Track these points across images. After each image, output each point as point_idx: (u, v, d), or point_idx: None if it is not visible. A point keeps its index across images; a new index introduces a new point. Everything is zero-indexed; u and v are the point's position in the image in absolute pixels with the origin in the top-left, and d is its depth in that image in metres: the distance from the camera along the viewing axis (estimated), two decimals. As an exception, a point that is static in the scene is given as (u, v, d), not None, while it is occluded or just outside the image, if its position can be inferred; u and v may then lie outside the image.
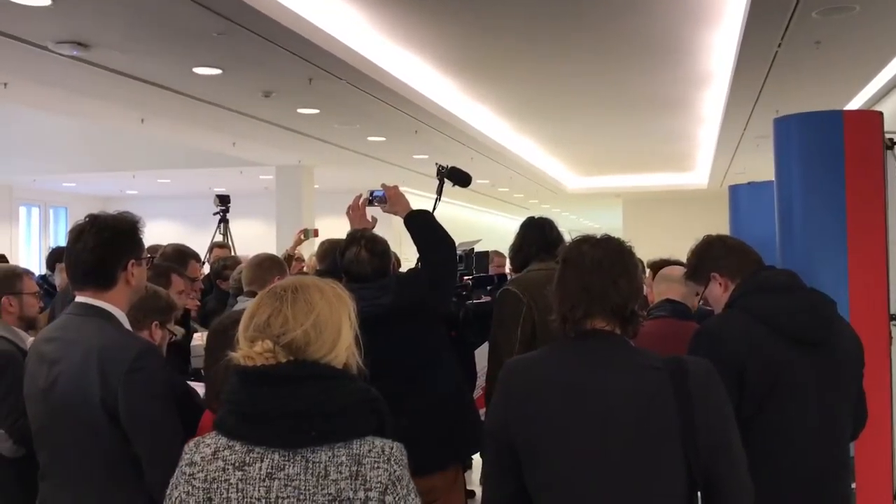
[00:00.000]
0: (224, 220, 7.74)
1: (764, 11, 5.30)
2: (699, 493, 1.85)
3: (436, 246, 3.28)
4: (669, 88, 8.68)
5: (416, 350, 3.12)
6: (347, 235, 3.25)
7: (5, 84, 7.40)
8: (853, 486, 3.14)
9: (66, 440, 2.26)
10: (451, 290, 3.61)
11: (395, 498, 1.54)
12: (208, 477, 1.54)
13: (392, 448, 1.58)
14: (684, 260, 3.55)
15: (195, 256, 4.28)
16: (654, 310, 3.24)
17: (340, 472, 1.53)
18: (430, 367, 3.17)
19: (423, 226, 3.34)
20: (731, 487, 1.84)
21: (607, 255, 1.95)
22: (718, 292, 2.65)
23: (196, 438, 1.62)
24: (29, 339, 2.99)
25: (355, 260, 3.09)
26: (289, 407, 1.53)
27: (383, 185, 3.51)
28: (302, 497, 1.52)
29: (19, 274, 3.19)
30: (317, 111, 8.63)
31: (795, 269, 2.73)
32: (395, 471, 1.55)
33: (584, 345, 1.93)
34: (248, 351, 1.58)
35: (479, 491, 5.91)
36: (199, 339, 3.69)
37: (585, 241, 2.01)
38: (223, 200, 7.89)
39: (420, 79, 7.87)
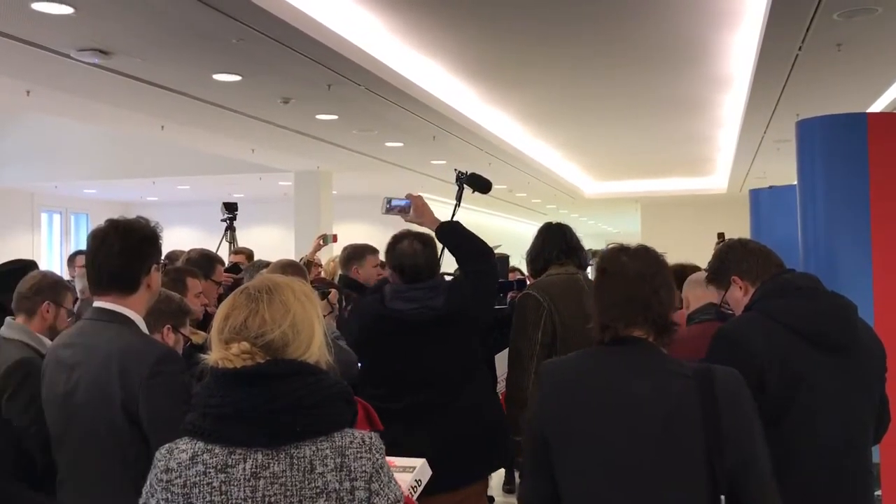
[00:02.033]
0: (231, 228, 7.74)
1: (784, 13, 5.26)
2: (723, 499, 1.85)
3: (476, 256, 3.25)
4: (688, 91, 8.64)
5: (458, 359, 3.11)
6: (392, 237, 3.25)
7: (28, 92, 7.49)
8: (878, 493, 3.10)
9: (85, 445, 2.26)
10: (493, 300, 3.58)
11: (379, 485, 1.58)
12: (188, 482, 1.53)
13: (371, 438, 1.61)
14: (703, 265, 3.53)
15: (221, 261, 4.31)
16: (699, 314, 3.25)
17: (326, 465, 1.54)
18: (470, 377, 3.16)
19: (459, 237, 3.30)
20: (756, 501, 1.85)
21: (648, 266, 2.01)
22: (739, 295, 2.63)
23: (167, 444, 1.60)
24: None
25: (410, 252, 3.07)
26: (272, 405, 1.54)
27: (409, 195, 3.47)
28: (289, 493, 1.53)
29: (69, 288, 3.23)
30: (335, 117, 8.66)
31: (819, 272, 2.71)
32: (377, 459, 1.59)
33: (618, 350, 1.98)
34: (225, 353, 1.58)
35: (498, 498, 5.92)
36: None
37: (623, 252, 2.06)
38: (230, 208, 7.90)
39: (438, 84, 7.88)
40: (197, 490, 1.52)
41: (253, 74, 6.74)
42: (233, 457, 1.54)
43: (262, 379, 1.55)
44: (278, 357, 1.59)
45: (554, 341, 3.50)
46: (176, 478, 1.54)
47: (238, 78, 6.84)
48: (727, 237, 2.85)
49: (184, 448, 1.57)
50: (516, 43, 6.64)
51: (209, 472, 1.53)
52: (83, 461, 2.28)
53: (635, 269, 1.99)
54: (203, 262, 4.10)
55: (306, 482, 1.53)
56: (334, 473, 1.54)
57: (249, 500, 1.52)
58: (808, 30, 5.60)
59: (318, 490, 1.53)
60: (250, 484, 1.52)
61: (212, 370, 1.59)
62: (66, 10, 5.00)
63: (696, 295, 3.27)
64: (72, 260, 5.81)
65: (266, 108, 8.20)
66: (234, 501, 1.52)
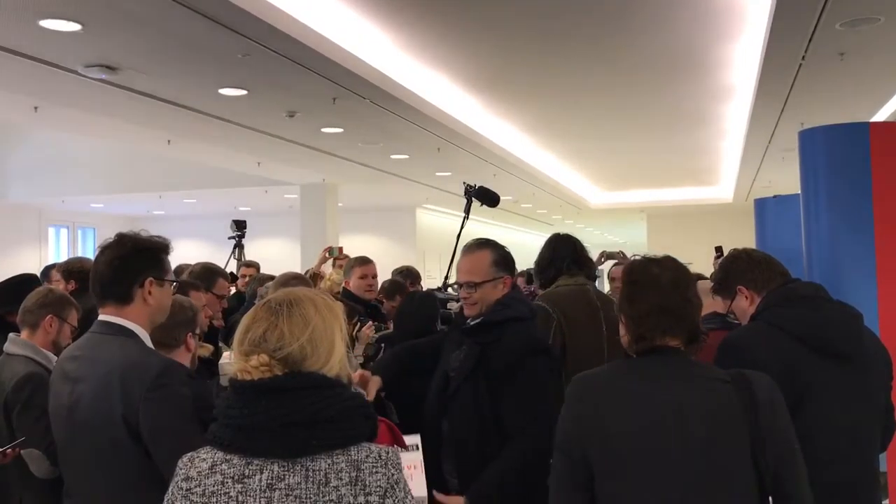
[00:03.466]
0: (239, 245, 7.75)
1: (787, 24, 5.28)
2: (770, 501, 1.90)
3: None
4: (693, 102, 8.66)
5: None
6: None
7: (35, 107, 7.55)
8: (885, 502, 3.09)
9: (89, 458, 2.27)
10: None
11: (394, 501, 1.57)
12: (206, 491, 1.55)
13: (388, 453, 1.61)
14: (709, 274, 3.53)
15: (223, 274, 4.31)
16: (704, 322, 3.25)
17: (341, 479, 1.55)
18: None
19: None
20: (796, 492, 1.91)
21: (680, 275, 2.03)
22: (745, 305, 2.64)
23: (189, 454, 1.62)
24: (55, 360, 3.04)
25: None
26: (289, 417, 1.55)
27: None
28: None
29: (72, 303, 3.26)
30: (340, 130, 8.70)
31: (823, 281, 2.72)
32: (392, 475, 1.58)
33: (653, 360, 1.98)
34: (245, 365, 1.60)
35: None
36: (227, 357, 3.72)
37: (653, 263, 2.07)
38: (240, 226, 7.92)
39: (443, 96, 7.92)
40: (215, 499, 1.54)
41: (259, 89, 6.78)
42: (250, 467, 1.56)
43: (278, 392, 1.57)
44: (296, 370, 1.61)
45: (563, 353, 3.49)
46: (195, 486, 1.56)
47: (244, 92, 6.88)
48: (732, 247, 2.85)
49: (204, 457, 1.59)
50: (521, 55, 6.67)
51: (227, 482, 1.55)
52: (87, 473, 2.29)
53: (668, 278, 2.00)
54: (205, 274, 4.12)
55: (321, 495, 1.54)
56: (349, 487, 1.54)
57: None
58: (810, 40, 5.62)
59: (332, 503, 1.54)
60: (266, 495, 1.54)
61: (231, 381, 1.62)
62: (74, 26, 5.05)
63: (704, 304, 3.28)
64: (46, 274, 5.81)
65: (272, 122, 8.24)
66: None
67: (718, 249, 6.96)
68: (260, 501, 1.54)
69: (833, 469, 2.37)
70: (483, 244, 2.99)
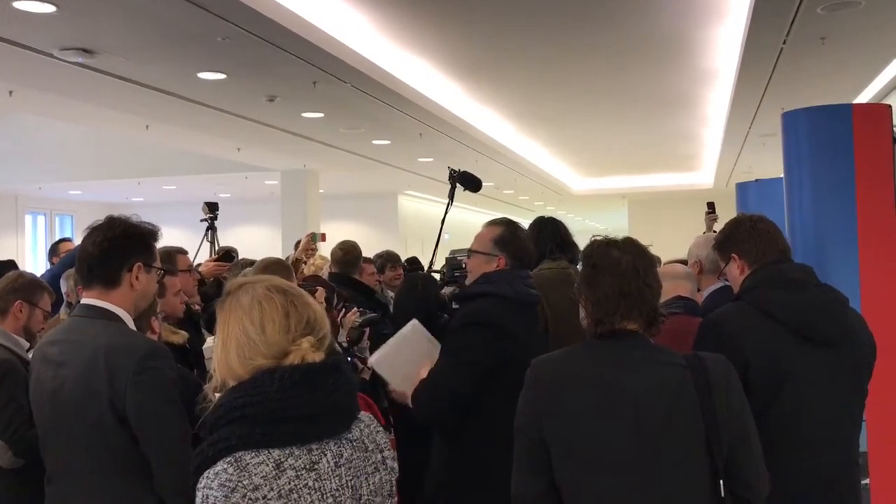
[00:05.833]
0: (212, 228, 7.69)
1: (769, 8, 5.29)
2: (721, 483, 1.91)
3: None
4: (674, 87, 8.67)
5: None
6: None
7: (10, 92, 7.43)
8: (866, 481, 3.11)
9: (74, 442, 2.23)
10: None
11: (393, 454, 1.72)
12: (282, 492, 1.51)
13: (371, 417, 1.74)
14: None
15: (179, 250, 4.24)
16: (666, 307, 3.24)
17: (372, 443, 1.68)
18: None
19: None
20: (750, 476, 1.93)
21: (640, 259, 2.02)
22: (736, 273, 2.64)
23: (230, 465, 1.49)
24: (26, 346, 3.01)
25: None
26: (339, 394, 1.63)
27: None
28: (359, 474, 1.63)
29: (44, 288, 3.22)
30: (321, 115, 8.64)
31: (806, 263, 2.71)
32: (384, 433, 1.73)
33: (611, 343, 1.99)
34: (305, 348, 1.61)
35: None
36: (211, 342, 3.67)
37: (613, 245, 2.05)
38: (212, 208, 7.87)
39: (425, 82, 7.87)
40: (295, 495, 1.52)
41: (238, 73, 6.71)
42: (314, 454, 1.58)
43: (333, 371, 1.64)
44: (328, 349, 1.67)
45: (546, 335, 3.49)
46: (269, 492, 1.50)
47: (223, 76, 6.81)
48: (716, 225, 2.84)
49: (259, 461, 1.52)
50: (503, 41, 6.64)
51: (301, 475, 1.55)
52: (71, 459, 2.26)
53: (628, 262, 1.99)
54: (164, 258, 4.04)
55: (367, 461, 1.65)
56: (374, 449, 1.68)
57: (340, 490, 1.59)
58: (792, 24, 5.64)
59: (374, 466, 1.66)
60: (337, 473, 1.60)
61: (282, 370, 1.57)
62: (49, 8, 4.96)
63: (667, 288, 3.28)
64: (55, 249, 5.72)
65: (251, 107, 8.17)
66: (329, 494, 1.57)
67: (710, 205, 6.94)
68: (333, 481, 1.58)
69: (814, 451, 2.37)
70: (499, 223, 3.05)
